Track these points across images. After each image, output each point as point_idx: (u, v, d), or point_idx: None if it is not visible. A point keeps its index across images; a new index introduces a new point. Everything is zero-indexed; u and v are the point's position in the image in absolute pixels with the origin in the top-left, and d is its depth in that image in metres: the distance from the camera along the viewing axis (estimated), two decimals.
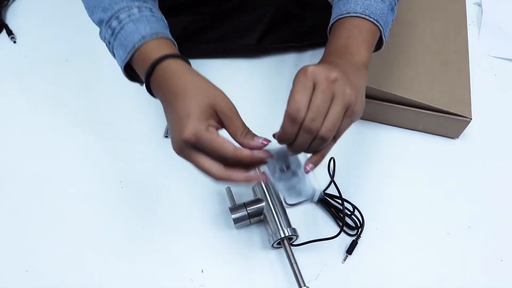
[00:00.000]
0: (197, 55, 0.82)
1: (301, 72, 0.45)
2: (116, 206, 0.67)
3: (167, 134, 0.73)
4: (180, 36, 0.80)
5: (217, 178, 0.47)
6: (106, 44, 0.56)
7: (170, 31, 0.80)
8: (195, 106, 0.46)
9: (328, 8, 0.86)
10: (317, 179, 0.55)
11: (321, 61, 0.53)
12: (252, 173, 0.48)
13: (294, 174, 0.50)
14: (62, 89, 0.79)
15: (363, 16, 0.54)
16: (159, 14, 0.56)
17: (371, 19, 0.54)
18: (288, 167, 0.51)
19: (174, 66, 0.50)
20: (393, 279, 0.62)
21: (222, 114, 0.47)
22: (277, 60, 0.83)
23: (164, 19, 0.58)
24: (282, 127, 0.46)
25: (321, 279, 0.61)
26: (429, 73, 0.73)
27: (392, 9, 0.57)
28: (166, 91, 0.49)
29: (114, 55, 0.56)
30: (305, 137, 0.45)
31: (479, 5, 0.94)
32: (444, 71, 0.74)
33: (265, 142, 0.47)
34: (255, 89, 0.79)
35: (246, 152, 0.47)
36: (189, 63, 0.52)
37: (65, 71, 0.81)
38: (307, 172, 0.49)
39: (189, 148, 0.46)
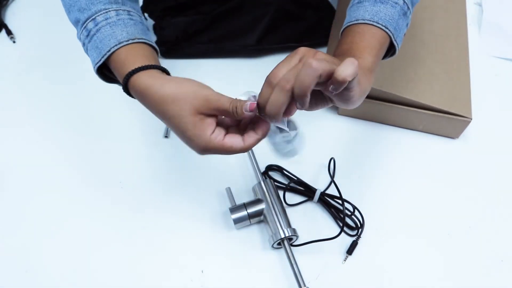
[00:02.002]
0: (197, 55, 0.82)
1: (294, 51, 0.47)
2: (116, 206, 0.67)
3: (166, 134, 0.73)
4: (180, 36, 0.81)
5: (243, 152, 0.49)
6: (82, 45, 0.55)
7: (170, 31, 0.81)
8: (188, 124, 0.46)
9: (328, 8, 0.86)
10: (302, 142, 0.55)
11: None
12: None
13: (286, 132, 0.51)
14: (61, 89, 0.79)
15: (370, 22, 0.54)
16: (137, 17, 0.55)
17: (379, 25, 0.54)
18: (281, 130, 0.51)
19: (147, 81, 0.49)
20: (394, 279, 0.62)
21: (209, 111, 0.47)
22: (277, 60, 0.81)
23: (144, 21, 0.57)
24: (260, 91, 0.47)
25: (321, 279, 0.61)
26: (429, 73, 0.73)
27: (405, 14, 0.57)
28: (150, 106, 0.49)
29: (88, 55, 0.55)
30: (278, 95, 0.44)
31: (479, 5, 0.94)
32: (444, 71, 0.74)
33: (252, 108, 0.47)
34: (255, 89, 0.79)
35: (252, 142, 0.48)
36: (165, 70, 0.52)
37: (64, 71, 0.81)
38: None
39: (208, 153, 0.49)
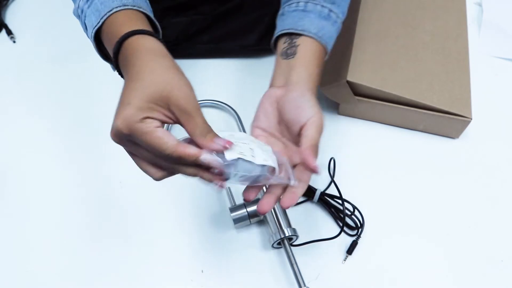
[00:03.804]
0: (197, 55, 0.82)
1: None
2: (116, 206, 0.67)
3: None
4: (180, 36, 0.80)
5: (156, 179, 0.44)
6: (79, 16, 0.50)
7: (170, 31, 0.81)
8: (141, 94, 0.40)
9: None
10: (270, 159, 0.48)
11: (297, 74, 0.54)
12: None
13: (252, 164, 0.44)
14: (61, 89, 0.79)
15: (316, 38, 0.55)
16: None
17: (322, 43, 0.55)
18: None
19: (140, 43, 0.43)
20: (393, 279, 0.62)
21: (177, 109, 0.40)
22: None
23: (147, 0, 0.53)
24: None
25: (321, 279, 0.61)
26: (429, 73, 0.73)
27: (338, 29, 0.59)
28: (127, 71, 0.43)
29: (85, 28, 0.50)
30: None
31: (479, 5, 0.94)
32: (444, 71, 0.74)
33: (228, 146, 0.41)
34: (255, 89, 0.79)
35: (191, 151, 0.40)
36: (164, 44, 0.45)
37: (64, 71, 0.81)
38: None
39: (124, 139, 0.41)
